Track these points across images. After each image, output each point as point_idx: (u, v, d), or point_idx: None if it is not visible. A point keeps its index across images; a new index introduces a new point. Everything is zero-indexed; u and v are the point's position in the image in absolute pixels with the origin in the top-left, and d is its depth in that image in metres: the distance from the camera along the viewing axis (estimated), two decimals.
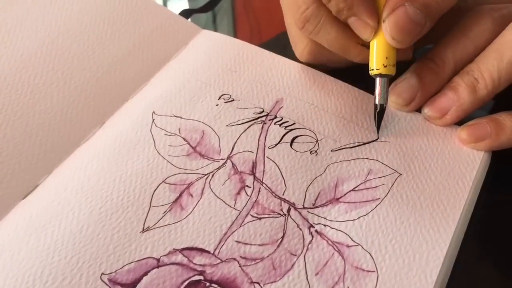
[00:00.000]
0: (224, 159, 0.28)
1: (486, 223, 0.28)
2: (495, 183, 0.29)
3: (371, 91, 0.31)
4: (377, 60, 0.28)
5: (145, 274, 0.23)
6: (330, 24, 0.29)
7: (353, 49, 0.30)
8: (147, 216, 0.25)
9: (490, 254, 0.27)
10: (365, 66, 0.29)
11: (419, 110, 0.31)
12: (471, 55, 0.30)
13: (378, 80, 0.29)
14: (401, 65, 0.31)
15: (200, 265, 0.24)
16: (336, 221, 0.26)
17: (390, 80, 0.29)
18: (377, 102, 0.29)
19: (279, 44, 0.33)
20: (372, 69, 0.28)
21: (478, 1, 0.34)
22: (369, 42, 0.29)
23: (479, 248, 0.27)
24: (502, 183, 0.30)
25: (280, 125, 0.29)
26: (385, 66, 0.28)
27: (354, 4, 0.28)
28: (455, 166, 0.28)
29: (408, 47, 0.29)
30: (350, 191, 0.27)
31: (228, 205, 0.26)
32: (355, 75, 0.31)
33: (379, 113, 0.29)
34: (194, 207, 0.26)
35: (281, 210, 0.26)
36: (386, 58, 0.28)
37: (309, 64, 0.33)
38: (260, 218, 0.26)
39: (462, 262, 0.25)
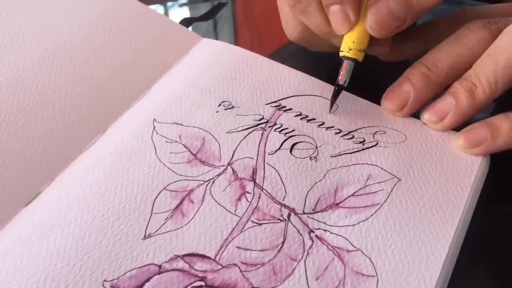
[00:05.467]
0: (224, 165, 0.28)
1: (485, 228, 0.28)
2: (494, 188, 0.29)
3: (372, 100, 0.32)
4: (344, 43, 0.30)
5: (147, 280, 0.23)
6: (319, 8, 0.30)
7: (339, 36, 0.30)
8: (148, 223, 0.25)
9: (489, 259, 0.27)
10: (368, 77, 0.30)
11: (418, 116, 0.31)
12: (465, 62, 0.30)
13: (344, 61, 0.30)
14: (396, 71, 0.31)
15: (201, 271, 0.24)
16: (336, 226, 0.26)
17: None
18: (338, 81, 0.30)
19: (279, 59, 0.33)
20: (341, 51, 0.30)
21: (476, 12, 0.34)
22: None
23: (478, 253, 0.27)
24: (501, 188, 0.30)
25: (279, 132, 0.30)
26: (350, 50, 0.29)
27: None
28: (454, 171, 0.28)
29: (386, 43, 0.31)
30: (349, 196, 0.27)
31: (229, 211, 0.26)
32: (356, 84, 0.32)
33: (337, 92, 0.30)
34: (195, 214, 0.26)
35: (281, 215, 0.26)
36: (353, 42, 0.29)
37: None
38: (260, 224, 0.26)
39: (461, 267, 0.25)
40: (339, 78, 0.30)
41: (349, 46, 0.29)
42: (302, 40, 0.33)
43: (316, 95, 0.32)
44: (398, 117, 0.31)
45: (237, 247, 0.25)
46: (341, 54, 0.30)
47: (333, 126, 0.30)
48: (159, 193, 0.26)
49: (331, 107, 0.31)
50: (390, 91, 0.31)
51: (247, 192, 0.27)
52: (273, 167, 0.28)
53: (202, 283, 0.24)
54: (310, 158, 0.28)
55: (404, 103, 0.30)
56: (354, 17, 0.29)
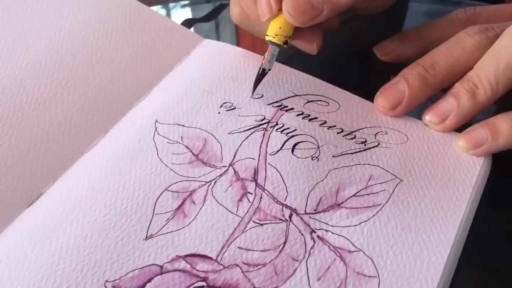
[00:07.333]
0: (226, 166, 0.28)
1: (486, 229, 0.28)
2: (495, 189, 0.29)
3: (373, 101, 0.32)
4: (271, 28, 0.31)
5: (149, 281, 0.23)
6: None
7: (265, 23, 0.31)
8: (150, 223, 0.25)
9: (491, 261, 0.27)
10: (369, 78, 0.30)
11: (419, 116, 0.31)
12: (462, 67, 0.30)
13: (269, 46, 0.31)
14: (397, 72, 0.31)
15: (203, 271, 0.24)
16: (338, 226, 0.26)
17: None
18: (261, 65, 0.31)
19: (280, 59, 0.33)
20: (267, 35, 0.31)
21: (477, 12, 0.34)
22: None
23: (480, 255, 0.27)
24: (503, 188, 0.30)
25: (281, 132, 0.30)
26: (276, 35, 0.30)
27: None
28: (455, 172, 0.28)
29: (314, 41, 0.31)
30: (351, 196, 0.27)
31: (230, 211, 0.26)
32: (357, 85, 0.32)
33: (260, 76, 0.31)
34: (197, 214, 0.26)
35: (283, 216, 0.26)
36: (280, 28, 0.30)
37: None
38: (262, 224, 0.26)
39: (463, 269, 0.25)
40: (263, 61, 0.31)
41: (275, 31, 0.30)
42: (240, 23, 0.34)
43: (317, 95, 0.32)
44: (389, 116, 0.31)
45: (238, 247, 0.25)
46: (266, 38, 0.31)
47: (335, 126, 0.30)
48: (161, 194, 0.27)
49: (253, 91, 0.31)
50: (384, 89, 0.31)
51: (249, 192, 0.27)
52: (274, 167, 0.28)
53: (204, 283, 0.24)
54: (312, 158, 0.28)
55: (398, 102, 0.30)
56: (276, 5, 0.30)
